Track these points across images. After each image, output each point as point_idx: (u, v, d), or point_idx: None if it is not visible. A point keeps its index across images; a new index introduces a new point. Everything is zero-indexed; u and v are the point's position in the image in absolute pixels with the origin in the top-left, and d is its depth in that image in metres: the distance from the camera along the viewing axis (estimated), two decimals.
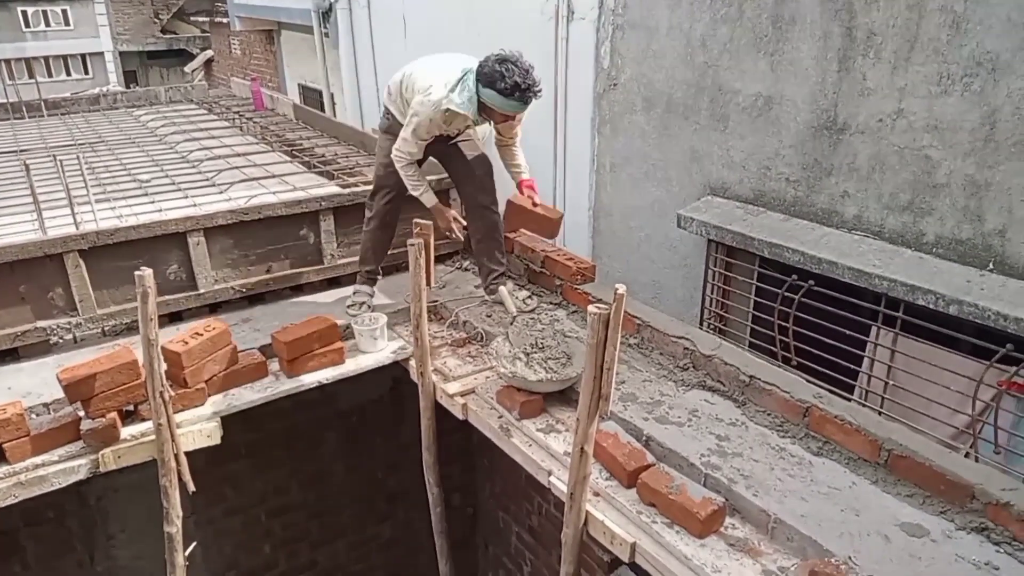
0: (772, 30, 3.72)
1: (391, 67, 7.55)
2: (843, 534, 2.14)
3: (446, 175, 3.96)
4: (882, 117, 3.33)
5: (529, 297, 3.71)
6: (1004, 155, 2.94)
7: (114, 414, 2.74)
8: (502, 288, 3.65)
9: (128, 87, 21.48)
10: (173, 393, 2.79)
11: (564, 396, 2.96)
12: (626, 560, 2.30)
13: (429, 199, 3.47)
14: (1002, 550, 2.08)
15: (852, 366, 3.54)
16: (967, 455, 2.95)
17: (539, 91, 3.04)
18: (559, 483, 2.53)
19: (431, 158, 3.63)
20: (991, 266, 3.04)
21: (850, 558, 2.02)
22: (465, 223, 3.67)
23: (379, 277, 3.76)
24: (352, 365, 3.29)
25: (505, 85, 2.95)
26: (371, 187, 3.68)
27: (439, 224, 3.62)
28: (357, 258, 3.80)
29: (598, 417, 2.18)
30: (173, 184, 4.65)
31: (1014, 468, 2.99)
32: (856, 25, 3.36)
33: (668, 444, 2.57)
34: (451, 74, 3.13)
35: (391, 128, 3.45)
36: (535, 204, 3.58)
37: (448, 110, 3.11)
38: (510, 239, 3.98)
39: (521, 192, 3.61)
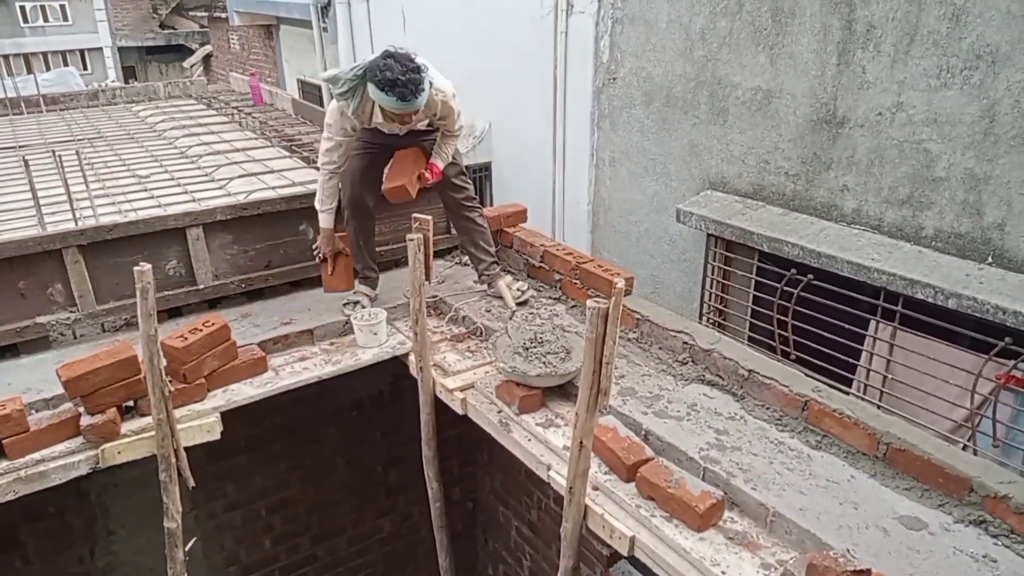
0: (771, 23, 3.71)
1: None
2: (842, 527, 2.15)
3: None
4: (881, 110, 3.32)
5: (526, 288, 3.69)
6: (1003, 148, 2.94)
7: (114, 410, 2.74)
8: (500, 282, 3.65)
9: (127, 83, 21.48)
10: (173, 389, 2.79)
11: (563, 391, 2.96)
12: (625, 554, 2.30)
13: (325, 220, 3.39)
14: (1000, 543, 2.09)
15: (851, 360, 3.54)
16: (965, 448, 2.95)
17: (420, 89, 2.83)
18: (558, 477, 2.53)
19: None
20: (990, 260, 3.05)
21: (849, 551, 2.03)
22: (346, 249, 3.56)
23: (376, 275, 3.69)
24: (351, 360, 3.29)
25: (382, 78, 2.81)
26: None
27: (319, 243, 3.53)
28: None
29: (597, 411, 2.18)
30: (172, 179, 4.65)
31: (1012, 461, 3.00)
32: (855, 18, 3.35)
33: (667, 438, 2.57)
34: (350, 68, 2.99)
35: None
36: (419, 178, 3.32)
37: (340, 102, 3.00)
38: (509, 234, 3.97)
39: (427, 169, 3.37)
